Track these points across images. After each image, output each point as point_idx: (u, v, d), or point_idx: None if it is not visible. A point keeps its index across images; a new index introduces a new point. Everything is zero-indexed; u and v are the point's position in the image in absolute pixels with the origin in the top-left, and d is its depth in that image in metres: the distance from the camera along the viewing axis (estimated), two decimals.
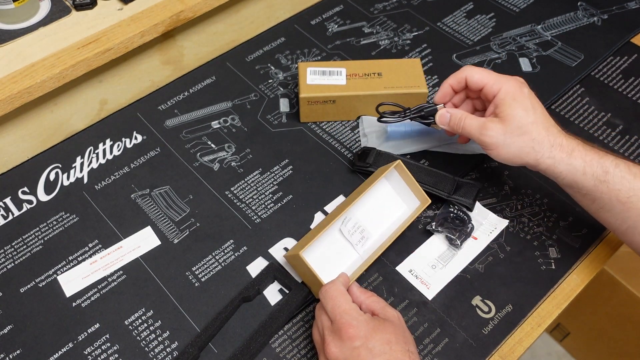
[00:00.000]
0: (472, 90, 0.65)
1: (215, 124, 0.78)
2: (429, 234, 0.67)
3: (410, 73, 0.75)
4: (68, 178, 0.72)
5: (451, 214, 0.67)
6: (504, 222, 0.68)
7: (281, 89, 0.82)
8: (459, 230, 0.65)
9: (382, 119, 0.70)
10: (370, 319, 0.52)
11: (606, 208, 0.59)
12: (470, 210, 0.68)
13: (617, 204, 0.57)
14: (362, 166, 0.70)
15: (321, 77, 0.74)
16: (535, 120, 0.58)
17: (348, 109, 0.76)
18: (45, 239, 0.66)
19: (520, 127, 0.58)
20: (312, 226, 0.67)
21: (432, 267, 0.64)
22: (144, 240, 0.66)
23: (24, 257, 0.65)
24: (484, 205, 0.69)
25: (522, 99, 0.59)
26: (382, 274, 0.64)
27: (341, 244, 0.63)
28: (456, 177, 0.69)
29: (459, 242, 0.65)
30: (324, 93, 0.74)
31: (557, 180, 0.60)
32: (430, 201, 0.65)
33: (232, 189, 0.71)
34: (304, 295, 0.61)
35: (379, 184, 0.65)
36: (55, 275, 0.63)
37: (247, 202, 0.70)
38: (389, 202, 0.67)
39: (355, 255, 0.63)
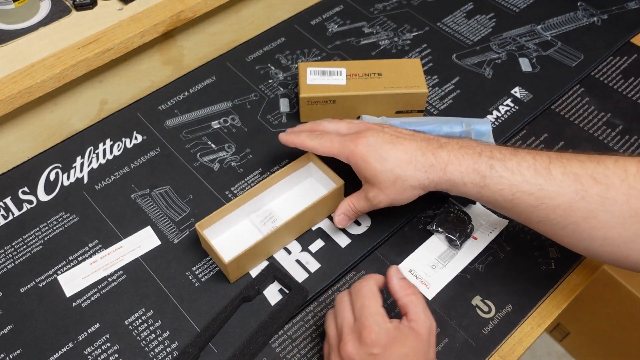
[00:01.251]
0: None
1: (215, 124, 0.78)
2: (429, 234, 0.67)
3: (411, 73, 0.75)
4: (68, 178, 0.72)
5: (451, 214, 0.67)
6: (504, 222, 0.68)
7: (281, 89, 0.82)
8: (459, 230, 0.65)
9: None
10: (393, 329, 0.50)
11: (513, 214, 0.56)
12: (474, 202, 0.68)
13: (507, 204, 0.55)
14: None
15: (321, 77, 0.74)
16: (393, 166, 0.56)
17: (348, 109, 0.76)
18: (45, 239, 0.66)
19: (388, 179, 0.57)
20: (312, 227, 0.67)
21: (432, 267, 0.64)
22: (144, 240, 0.66)
23: (24, 257, 0.65)
24: (485, 206, 0.69)
25: (370, 153, 0.57)
26: (382, 274, 0.64)
27: (251, 229, 0.65)
28: None
29: (459, 242, 0.65)
30: (324, 93, 0.74)
31: (449, 192, 0.58)
32: (342, 182, 0.63)
33: (232, 189, 0.71)
34: (304, 296, 0.61)
35: (295, 174, 0.67)
36: (55, 275, 0.63)
37: None
38: (306, 190, 0.66)
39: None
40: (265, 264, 0.64)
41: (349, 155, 0.59)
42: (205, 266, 0.64)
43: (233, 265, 0.60)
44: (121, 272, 0.64)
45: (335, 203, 0.65)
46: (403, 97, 0.74)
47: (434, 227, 0.66)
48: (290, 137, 0.64)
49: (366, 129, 0.60)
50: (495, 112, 0.79)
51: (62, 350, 0.58)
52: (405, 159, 0.56)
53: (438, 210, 0.69)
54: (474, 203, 0.68)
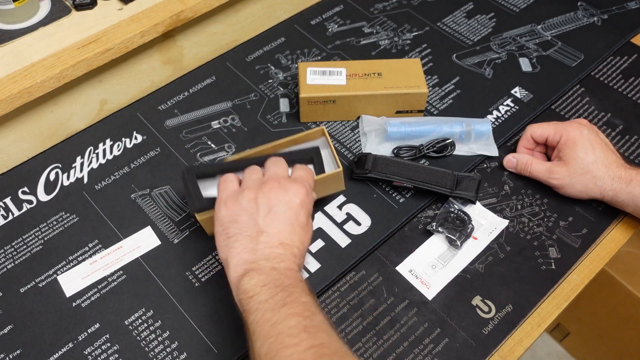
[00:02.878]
0: (540, 143, 0.72)
1: (215, 124, 0.78)
2: (429, 234, 0.67)
3: (411, 73, 0.75)
4: (68, 178, 0.72)
5: (451, 214, 0.67)
6: (504, 222, 0.68)
7: (281, 89, 0.82)
8: (459, 230, 0.65)
9: (398, 155, 0.72)
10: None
11: None
12: (474, 203, 0.68)
13: None
14: (361, 173, 0.70)
15: (321, 77, 0.74)
16: (595, 159, 0.65)
17: (348, 109, 0.76)
18: (45, 239, 0.66)
19: (582, 168, 0.66)
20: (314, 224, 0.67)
21: (432, 267, 0.64)
22: (144, 240, 0.66)
23: (24, 257, 0.65)
24: (484, 206, 0.69)
25: (582, 141, 0.66)
26: (382, 274, 0.64)
27: None
28: (455, 172, 0.69)
29: (459, 242, 0.65)
30: (324, 93, 0.74)
31: (624, 209, 0.66)
32: (341, 169, 0.64)
33: None
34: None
35: (303, 145, 0.67)
36: (55, 275, 0.63)
37: None
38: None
39: None
40: None
41: (563, 132, 0.67)
42: (205, 266, 0.64)
43: (208, 221, 0.60)
44: (121, 272, 0.64)
45: (330, 187, 0.65)
46: (403, 97, 0.74)
47: (434, 227, 0.66)
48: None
49: (585, 124, 0.69)
50: (495, 112, 0.79)
51: (62, 350, 0.58)
52: (605, 161, 0.65)
53: (438, 211, 0.69)
54: (474, 203, 0.68)
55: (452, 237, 0.65)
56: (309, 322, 0.46)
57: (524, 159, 0.71)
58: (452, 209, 0.67)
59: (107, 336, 0.59)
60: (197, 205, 0.60)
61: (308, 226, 0.55)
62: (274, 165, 0.58)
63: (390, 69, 0.76)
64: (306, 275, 0.63)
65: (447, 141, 0.73)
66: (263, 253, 0.52)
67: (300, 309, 0.47)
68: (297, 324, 0.46)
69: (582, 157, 0.66)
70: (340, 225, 0.68)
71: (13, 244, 0.66)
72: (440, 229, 0.66)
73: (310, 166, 0.64)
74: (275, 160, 0.59)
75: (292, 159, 0.63)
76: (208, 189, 0.63)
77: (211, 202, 0.59)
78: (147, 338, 0.59)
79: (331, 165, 0.67)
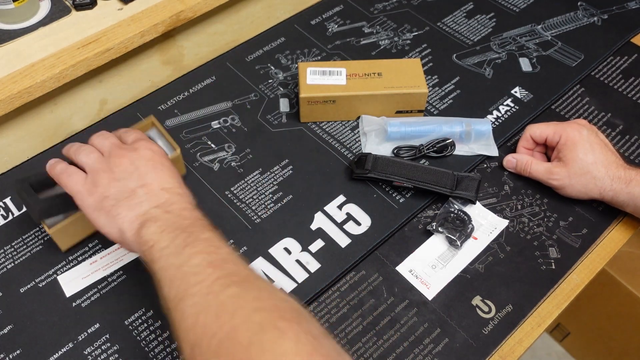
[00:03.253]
0: (539, 143, 0.72)
1: (215, 124, 0.78)
2: (429, 233, 0.67)
3: (411, 73, 0.75)
4: None
5: (451, 214, 0.67)
6: (504, 222, 0.68)
7: (281, 89, 0.82)
8: (459, 230, 0.65)
9: (398, 155, 0.72)
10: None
11: None
12: (474, 203, 0.68)
13: None
14: (361, 173, 0.70)
15: (321, 77, 0.74)
16: (594, 160, 0.65)
17: (348, 109, 0.76)
18: (45, 239, 0.66)
19: (582, 168, 0.66)
20: (312, 227, 0.67)
21: (432, 267, 0.64)
22: None
23: (24, 257, 0.65)
24: (484, 206, 0.69)
25: (582, 142, 0.66)
26: (382, 274, 0.64)
27: None
28: (455, 171, 0.69)
29: (459, 242, 0.65)
30: (324, 93, 0.74)
31: (624, 209, 0.67)
32: (179, 148, 0.66)
33: (232, 189, 0.71)
34: None
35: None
36: (55, 275, 0.63)
37: (247, 202, 0.70)
38: None
39: None
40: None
41: (562, 133, 0.68)
42: None
43: (59, 234, 0.61)
44: (121, 272, 0.64)
45: None
46: (403, 97, 0.74)
47: (434, 227, 0.66)
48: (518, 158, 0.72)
49: (585, 124, 0.69)
50: (495, 112, 0.79)
51: (62, 350, 0.58)
52: (604, 162, 0.65)
53: (438, 211, 0.69)
54: (474, 203, 0.68)
55: (452, 237, 0.65)
56: (214, 257, 0.45)
57: (524, 160, 0.71)
58: (452, 209, 0.67)
59: (107, 336, 0.59)
60: (38, 210, 0.58)
61: (174, 168, 0.55)
62: (103, 138, 0.56)
63: (390, 69, 0.76)
64: (306, 275, 0.63)
65: (447, 141, 0.73)
66: (149, 203, 0.51)
67: (203, 246, 0.46)
68: (202, 261, 0.45)
69: (581, 157, 0.66)
70: (340, 225, 0.68)
71: (13, 244, 0.66)
72: (440, 229, 0.66)
73: None
74: (100, 134, 0.57)
75: None
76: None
77: (54, 202, 0.59)
78: (147, 338, 0.59)
79: (169, 152, 0.67)
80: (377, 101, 0.74)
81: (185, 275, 0.44)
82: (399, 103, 0.75)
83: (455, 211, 0.67)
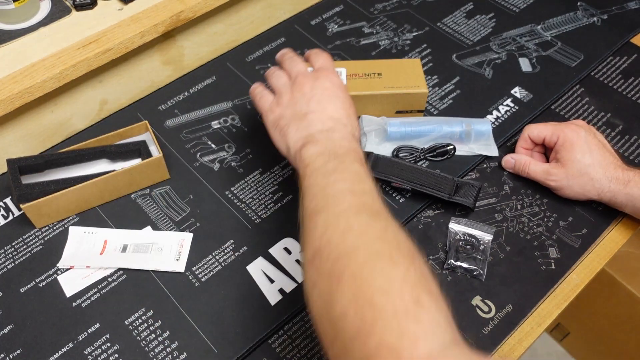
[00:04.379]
0: (538, 144, 0.72)
1: (215, 124, 0.78)
2: (430, 233, 0.67)
3: (410, 73, 0.75)
4: None
5: (460, 242, 0.65)
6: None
7: None
8: (473, 257, 0.64)
9: (397, 157, 0.72)
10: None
11: None
12: (472, 210, 0.68)
13: None
14: None
15: None
16: (592, 161, 0.65)
17: None
18: (46, 239, 0.66)
19: (579, 170, 0.66)
20: None
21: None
22: None
23: (24, 257, 0.65)
24: (484, 205, 0.69)
25: (579, 143, 0.66)
26: None
27: None
28: (456, 177, 0.69)
29: (482, 271, 0.63)
30: None
31: (623, 210, 0.67)
32: (161, 154, 0.69)
33: (232, 189, 0.71)
34: None
35: (131, 139, 0.73)
36: (55, 275, 0.63)
37: (247, 202, 0.70)
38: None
39: None
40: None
41: (560, 134, 0.68)
42: (205, 266, 0.64)
43: (32, 210, 0.64)
44: (121, 272, 0.64)
45: (153, 173, 0.69)
46: (403, 97, 0.74)
47: (451, 265, 0.64)
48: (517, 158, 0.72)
49: (582, 125, 0.69)
50: (495, 112, 0.79)
51: (62, 350, 0.58)
52: (602, 163, 0.65)
53: (446, 245, 0.68)
54: (472, 210, 0.68)
55: (473, 267, 0.64)
56: (356, 187, 0.50)
57: (522, 160, 0.71)
58: (458, 236, 0.66)
59: (107, 336, 0.59)
60: (17, 195, 0.63)
61: (349, 100, 0.60)
62: (294, 64, 0.63)
63: (390, 69, 0.76)
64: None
65: (449, 147, 0.72)
66: (316, 127, 0.56)
67: (349, 176, 0.51)
68: (344, 188, 0.49)
69: (579, 159, 0.66)
70: None
71: (13, 244, 0.66)
72: (458, 262, 0.64)
73: (139, 160, 0.71)
74: (291, 58, 0.63)
75: (120, 151, 0.70)
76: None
77: (34, 189, 0.64)
78: (147, 338, 0.59)
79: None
80: (377, 101, 0.74)
81: (327, 195, 0.49)
82: (399, 103, 0.75)
83: (461, 236, 0.66)
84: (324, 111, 0.57)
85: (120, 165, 0.71)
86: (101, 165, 0.71)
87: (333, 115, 0.57)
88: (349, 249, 0.44)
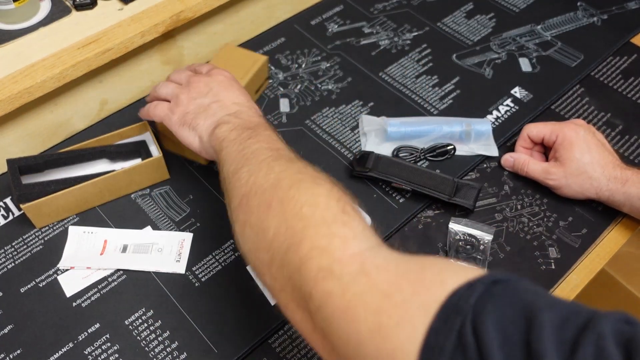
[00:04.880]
0: (537, 143, 0.72)
1: None
2: (430, 234, 0.67)
3: (237, 56, 0.77)
4: None
5: (459, 242, 0.65)
6: (502, 225, 0.68)
7: (281, 89, 0.82)
8: (473, 257, 0.64)
9: (397, 156, 0.72)
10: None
11: None
12: (472, 211, 0.68)
13: None
14: (362, 171, 0.70)
15: None
16: (591, 160, 0.65)
17: None
18: (46, 239, 0.66)
19: (578, 169, 0.66)
20: None
21: None
22: None
23: (24, 257, 0.65)
24: (484, 205, 0.69)
25: (578, 142, 0.66)
26: None
27: None
28: (455, 178, 0.69)
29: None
30: None
31: (620, 209, 0.67)
32: (161, 154, 0.69)
33: None
34: None
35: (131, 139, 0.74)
36: (55, 275, 0.63)
37: None
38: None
39: None
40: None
41: (559, 133, 0.68)
42: (205, 266, 0.64)
43: (32, 209, 0.64)
44: (121, 272, 0.64)
45: (153, 173, 0.69)
46: (254, 77, 0.76)
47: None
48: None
49: (582, 124, 0.69)
50: (495, 112, 0.79)
51: (62, 350, 0.58)
52: (601, 162, 0.65)
53: (446, 245, 0.68)
54: (472, 211, 0.68)
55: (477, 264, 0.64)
56: (271, 145, 0.53)
57: (521, 159, 0.71)
58: (458, 236, 0.66)
59: (107, 336, 0.59)
60: (17, 195, 0.63)
61: (244, 90, 0.62)
62: (179, 72, 0.66)
63: (220, 62, 0.77)
64: None
65: (449, 147, 0.72)
66: (223, 112, 0.59)
67: (264, 138, 0.54)
68: (260, 147, 0.52)
69: (578, 158, 0.66)
70: None
71: (13, 244, 0.66)
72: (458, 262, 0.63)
73: (139, 160, 0.71)
74: (176, 71, 0.67)
75: (120, 151, 0.71)
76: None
77: (34, 189, 0.64)
78: (147, 338, 0.59)
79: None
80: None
81: (245, 155, 0.52)
82: (256, 84, 0.78)
83: (461, 236, 0.66)
84: (226, 99, 0.60)
85: (120, 165, 0.70)
86: (101, 165, 0.71)
87: (235, 101, 0.60)
88: (274, 182, 0.47)
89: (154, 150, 0.72)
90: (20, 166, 0.66)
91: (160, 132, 0.71)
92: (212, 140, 0.57)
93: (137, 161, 0.70)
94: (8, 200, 0.70)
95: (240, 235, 0.48)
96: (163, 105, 0.63)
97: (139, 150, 0.71)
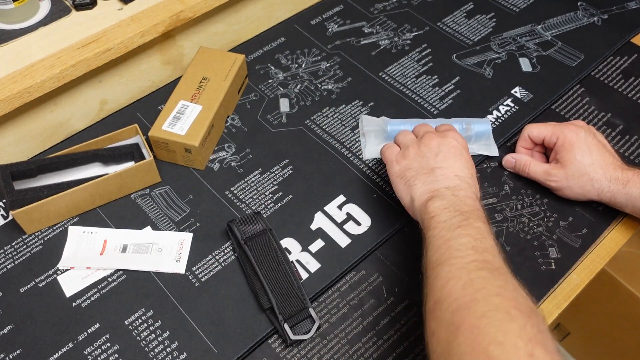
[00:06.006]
0: (537, 144, 0.72)
1: None
2: None
3: (215, 58, 0.77)
4: None
5: None
6: (502, 225, 0.68)
7: (281, 89, 0.82)
8: None
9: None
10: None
11: None
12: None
13: None
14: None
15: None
16: (591, 162, 0.65)
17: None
18: (45, 239, 0.66)
19: (579, 170, 0.66)
20: (312, 227, 0.67)
21: None
22: None
23: (24, 257, 0.65)
24: (485, 205, 0.69)
25: (579, 144, 0.66)
26: (382, 274, 0.64)
27: None
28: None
29: None
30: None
31: (623, 210, 0.66)
32: (152, 158, 0.69)
33: (232, 189, 0.71)
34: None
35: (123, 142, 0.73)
36: (55, 275, 0.63)
37: (247, 202, 0.70)
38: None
39: None
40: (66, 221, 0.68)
41: (560, 134, 0.68)
42: (205, 266, 0.64)
43: (22, 216, 0.64)
44: (121, 272, 0.64)
45: (144, 177, 0.69)
46: (236, 76, 0.77)
47: None
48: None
49: (582, 126, 0.69)
50: (495, 112, 0.79)
51: (62, 350, 0.58)
52: (601, 163, 0.65)
53: None
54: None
55: None
56: (478, 244, 0.51)
57: (523, 160, 0.71)
58: None
59: (107, 336, 0.59)
60: (10, 200, 0.63)
61: (472, 162, 0.62)
62: (421, 127, 0.67)
63: (201, 68, 0.77)
64: (306, 275, 0.63)
65: None
66: (442, 183, 0.59)
67: (473, 232, 0.53)
68: (467, 243, 0.51)
69: (578, 159, 0.66)
70: (340, 225, 0.68)
71: (13, 244, 0.66)
72: None
73: (132, 162, 0.70)
74: (421, 125, 0.67)
75: (113, 154, 0.70)
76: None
77: (27, 195, 0.64)
78: (147, 338, 0.59)
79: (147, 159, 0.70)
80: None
81: (450, 248, 0.51)
82: (237, 84, 0.78)
83: None
84: (450, 168, 0.60)
85: (113, 169, 0.70)
86: (94, 169, 0.71)
87: (458, 174, 0.59)
88: (468, 302, 0.46)
89: (145, 153, 0.72)
90: (13, 172, 0.66)
91: (153, 142, 0.71)
92: (423, 212, 0.57)
93: (131, 164, 0.70)
94: None
95: (428, 342, 0.48)
96: (394, 149, 0.65)
97: (132, 153, 0.71)
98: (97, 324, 0.60)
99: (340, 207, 0.69)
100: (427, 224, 0.56)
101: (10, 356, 0.58)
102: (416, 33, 0.89)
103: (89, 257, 0.64)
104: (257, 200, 0.70)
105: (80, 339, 0.59)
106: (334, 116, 0.79)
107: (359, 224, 0.68)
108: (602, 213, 0.69)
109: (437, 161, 0.61)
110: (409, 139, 0.65)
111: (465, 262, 0.49)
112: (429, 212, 0.56)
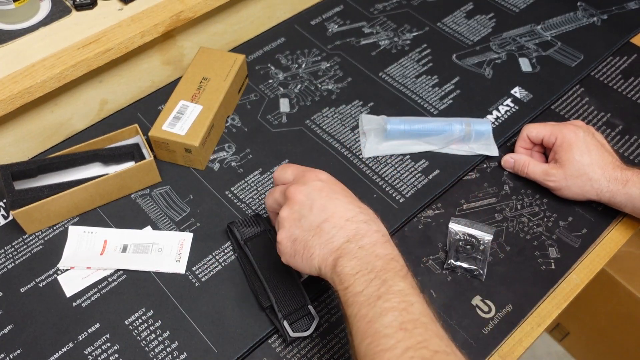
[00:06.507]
0: (536, 144, 0.72)
1: None
2: (430, 234, 0.67)
3: (215, 59, 0.78)
4: None
5: (460, 242, 0.65)
6: (502, 224, 0.68)
7: (281, 89, 0.82)
8: (473, 257, 0.64)
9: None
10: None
11: None
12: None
13: None
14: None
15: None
16: (590, 161, 0.65)
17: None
18: (46, 239, 0.66)
19: (578, 170, 0.66)
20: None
21: None
22: None
23: (24, 257, 0.65)
24: (484, 205, 0.70)
25: (578, 144, 0.66)
26: None
27: None
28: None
29: (482, 271, 0.63)
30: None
31: (622, 210, 0.66)
32: (152, 158, 0.69)
33: (232, 189, 0.71)
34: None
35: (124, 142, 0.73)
36: (55, 275, 0.63)
37: (247, 202, 0.70)
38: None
39: None
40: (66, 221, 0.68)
41: (559, 134, 0.67)
42: (205, 266, 0.64)
43: (23, 215, 0.64)
44: (121, 271, 0.64)
45: (144, 177, 0.69)
46: (236, 76, 0.77)
47: (450, 265, 0.64)
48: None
49: (581, 126, 0.69)
50: (495, 112, 0.79)
51: (62, 350, 0.58)
52: (600, 163, 0.65)
53: (446, 245, 0.68)
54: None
55: (473, 267, 0.63)
56: (406, 317, 0.45)
57: (522, 160, 0.71)
58: (458, 236, 0.66)
59: (107, 336, 0.59)
60: (10, 200, 0.63)
61: (347, 190, 0.54)
62: (278, 177, 0.58)
63: (201, 68, 0.77)
64: (306, 275, 0.63)
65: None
66: (339, 237, 0.50)
67: (396, 301, 0.46)
68: (393, 321, 0.45)
69: (577, 159, 0.66)
70: None
71: (13, 244, 0.66)
72: (458, 262, 0.64)
73: (132, 162, 0.70)
74: (276, 171, 0.58)
75: (114, 154, 0.70)
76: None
77: (27, 195, 0.64)
78: (147, 338, 0.59)
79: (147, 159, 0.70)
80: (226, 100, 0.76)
81: (377, 335, 0.45)
82: (237, 84, 0.78)
83: (461, 236, 0.66)
84: (335, 214, 0.51)
85: (113, 169, 0.70)
86: (94, 169, 0.71)
87: (347, 216, 0.51)
88: None
89: (146, 153, 0.72)
90: (13, 172, 0.66)
91: (153, 142, 0.71)
92: (336, 282, 0.49)
93: (131, 164, 0.70)
94: None
95: None
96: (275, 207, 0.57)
97: (132, 152, 0.71)
98: (98, 323, 0.60)
99: None
100: (342, 298, 0.48)
101: (11, 356, 0.58)
102: (416, 33, 0.89)
103: (89, 257, 0.64)
104: (257, 200, 0.70)
105: (80, 339, 0.59)
106: (334, 116, 0.79)
107: None
108: (602, 213, 0.69)
109: (318, 215, 0.51)
110: (271, 203, 0.57)
111: (398, 355, 0.43)
112: (342, 280, 0.48)
